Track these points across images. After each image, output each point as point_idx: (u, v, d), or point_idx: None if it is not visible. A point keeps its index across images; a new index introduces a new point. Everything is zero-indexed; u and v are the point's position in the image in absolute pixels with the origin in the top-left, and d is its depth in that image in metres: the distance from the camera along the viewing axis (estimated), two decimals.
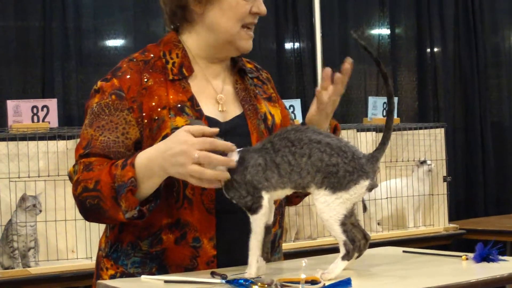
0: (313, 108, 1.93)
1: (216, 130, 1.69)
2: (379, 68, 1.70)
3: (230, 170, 1.66)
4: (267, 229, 1.70)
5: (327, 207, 1.59)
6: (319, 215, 1.62)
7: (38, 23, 4.04)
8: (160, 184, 1.74)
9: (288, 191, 1.66)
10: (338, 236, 1.60)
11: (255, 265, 1.65)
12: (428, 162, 4.21)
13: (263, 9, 1.90)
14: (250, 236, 1.66)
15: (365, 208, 4.12)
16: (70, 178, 1.82)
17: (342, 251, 1.60)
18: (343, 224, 1.59)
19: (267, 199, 1.65)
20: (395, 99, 4.31)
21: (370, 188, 1.61)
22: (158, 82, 1.85)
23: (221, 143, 1.66)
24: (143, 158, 1.72)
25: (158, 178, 1.71)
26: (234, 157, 1.67)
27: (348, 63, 1.86)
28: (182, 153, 1.65)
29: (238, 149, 1.68)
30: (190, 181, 1.68)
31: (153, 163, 1.70)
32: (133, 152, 1.79)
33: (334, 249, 1.63)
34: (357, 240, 1.63)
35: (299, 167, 1.61)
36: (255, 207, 1.65)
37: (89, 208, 1.75)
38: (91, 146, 1.80)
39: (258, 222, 1.66)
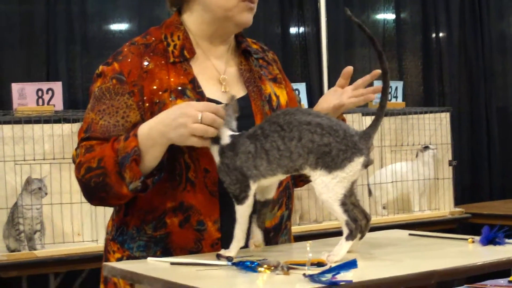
0: (325, 104, 1.99)
1: (221, 105, 1.70)
2: (373, 45, 1.68)
3: (221, 154, 1.67)
4: (266, 202, 1.72)
5: (325, 188, 1.59)
6: (319, 198, 1.61)
7: (42, 6, 4.03)
8: (163, 156, 1.74)
9: (280, 177, 1.66)
10: (339, 216, 1.59)
11: (236, 248, 1.66)
12: (431, 147, 4.20)
13: None
14: (235, 225, 1.67)
15: (370, 192, 4.13)
16: (74, 161, 1.82)
17: (345, 231, 1.59)
18: (343, 204, 1.58)
19: (254, 189, 1.65)
20: (400, 83, 4.32)
21: (365, 165, 1.61)
22: (159, 65, 1.84)
23: (222, 110, 1.67)
24: (144, 128, 1.72)
25: (160, 146, 1.71)
26: (226, 133, 1.68)
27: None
28: (183, 115, 1.66)
29: (232, 133, 1.68)
30: (190, 141, 1.67)
31: (154, 131, 1.70)
32: None
33: (339, 233, 1.62)
34: (358, 220, 1.62)
35: (288, 151, 1.60)
36: (241, 197, 1.65)
37: (94, 188, 1.75)
38: (92, 130, 1.80)
39: (242, 212, 1.66)
